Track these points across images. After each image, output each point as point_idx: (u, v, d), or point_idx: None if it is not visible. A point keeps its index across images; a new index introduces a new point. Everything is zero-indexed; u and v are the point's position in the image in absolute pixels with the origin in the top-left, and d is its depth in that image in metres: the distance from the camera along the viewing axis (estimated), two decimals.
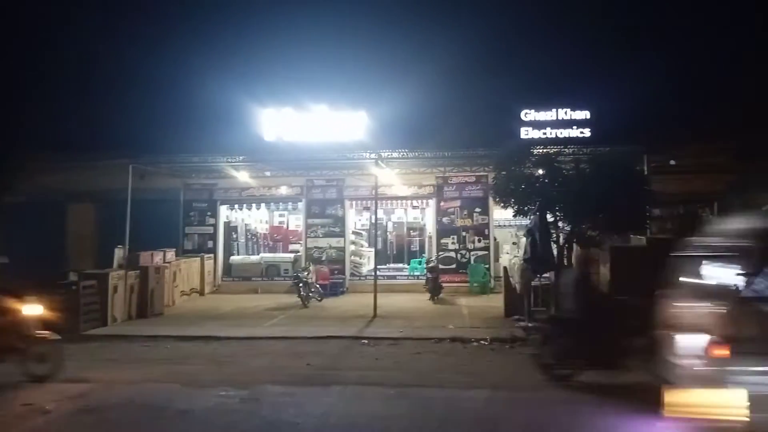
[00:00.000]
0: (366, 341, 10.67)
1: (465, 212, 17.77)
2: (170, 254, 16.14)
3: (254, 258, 19.04)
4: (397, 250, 19.97)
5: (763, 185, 16.60)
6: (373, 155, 15.08)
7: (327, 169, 17.86)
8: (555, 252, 11.97)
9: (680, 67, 17.53)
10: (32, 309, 8.01)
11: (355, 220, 19.58)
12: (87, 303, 11.97)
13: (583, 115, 15.70)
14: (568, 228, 12.30)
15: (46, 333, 8.06)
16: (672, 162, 15.74)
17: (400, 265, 19.31)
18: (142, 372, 8.74)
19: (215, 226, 18.57)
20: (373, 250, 16.31)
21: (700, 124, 15.31)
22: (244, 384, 7.77)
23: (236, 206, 19.17)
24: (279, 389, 7.58)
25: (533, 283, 11.80)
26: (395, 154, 15.54)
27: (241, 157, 15.92)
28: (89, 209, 18.83)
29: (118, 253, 15.38)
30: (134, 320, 13.28)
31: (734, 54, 17.62)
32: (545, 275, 11.59)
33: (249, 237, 20.01)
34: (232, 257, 19.07)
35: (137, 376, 8.46)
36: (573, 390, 7.37)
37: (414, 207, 19.21)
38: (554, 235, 12.16)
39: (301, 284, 14.74)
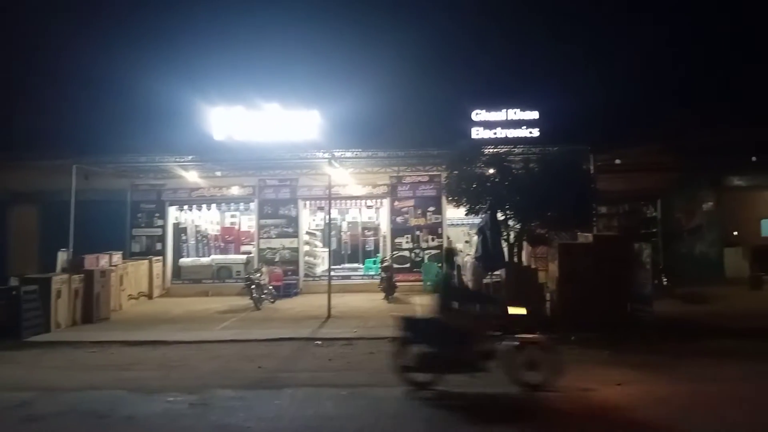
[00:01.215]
0: (319, 342, 10.61)
1: (419, 211, 17.90)
2: (117, 257, 15.69)
3: (205, 260, 18.69)
4: (351, 249, 19.93)
5: (704, 183, 17.35)
6: (326, 155, 15.02)
7: (280, 168, 17.69)
8: (506, 250, 12.19)
9: (624, 69, 18.06)
10: None
11: (309, 220, 19.44)
12: (29, 309, 11.52)
13: (532, 115, 16.00)
14: (518, 226, 12.54)
15: None
16: (617, 161, 16.23)
17: (355, 265, 19.29)
18: (86, 379, 8.46)
19: (164, 227, 18.17)
20: (327, 250, 16.23)
21: (643, 124, 15.81)
22: (193, 389, 7.60)
23: (186, 207, 18.77)
24: (229, 393, 7.45)
25: (485, 281, 11.96)
26: (348, 154, 15.53)
27: (190, 157, 15.61)
28: (31, 211, 18.18)
29: (62, 257, 14.92)
30: (79, 326, 12.87)
31: (677, 55, 18.24)
32: (496, 273, 11.76)
33: (199, 238, 19.61)
34: (181, 259, 18.67)
35: (81, 383, 8.18)
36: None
37: (368, 206, 19.21)
38: (505, 234, 12.37)
39: (253, 286, 14.55)
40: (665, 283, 15.03)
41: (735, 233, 17.64)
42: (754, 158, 16.27)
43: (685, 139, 15.80)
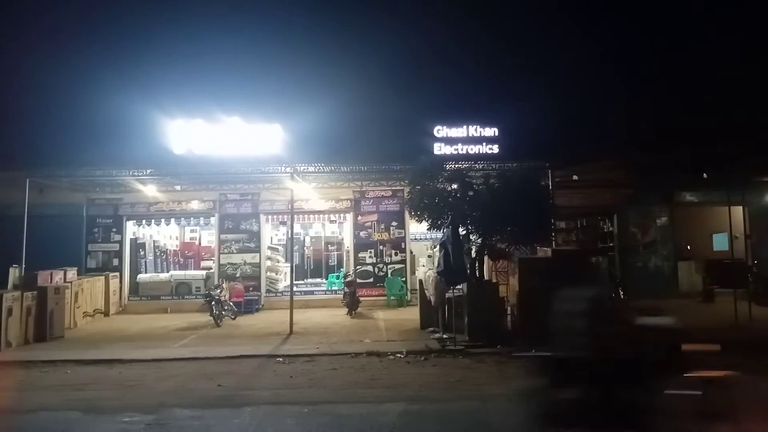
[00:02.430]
0: (281, 359, 10.49)
1: (382, 226, 17.96)
2: (71, 273, 15.26)
3: (163, 276, 18.30)
4: (314, 264, 19.79)
5: (657, 199, 17.88)
6: (288, 169, 14.96)
7: (241, 183, 17.53)
8: (467, 264, 12.30)
9: (581, 87, 18.56)
10: None
11: (272, 235, 19.27)
12: None
13: (492, 131, 16.26)
14: (479, 241, 12.70)
15: None
16: (575, 177, 16.63)
17: (318, 280, 19.15)
18: (38, 400, 8.15)
19: (121, 242, 17.76)
20: (289, 265, 16.10)
21: (599, 142, 16.24)
22: (150, 408, 7.42)
23: (144, 222, 18.40)
24: (187, 413, 7.30)
25: (447, 295, 12.04)
26: (311, 168, 15.51)
27: (148, 171, 15.31)
28: None
29: (14, 273, 14.46)
30: (32, 344, 12.44)
31: (632, 73, 18.84)
32: (458, 287, 11.85)
33: (158, 254, 19.21)
34: (139, 275, 18.24)
35: (33, 404, 7.88)
36: (483, 399, 7.55)
37: (331, 221, 19.17)
38: (466, 248, 12.50)
39: (213, 302, 14.32)
40: (621, 296, 15.39)
41: (688, 247, 18.22)
42: (705, 175, 16.85)
43: (638, 156, 16.28)
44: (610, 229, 18.28)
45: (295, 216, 16.51)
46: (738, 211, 15.26)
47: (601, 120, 17.19)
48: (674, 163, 16.05)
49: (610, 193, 17.62)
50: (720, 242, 17.80)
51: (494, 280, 14.19)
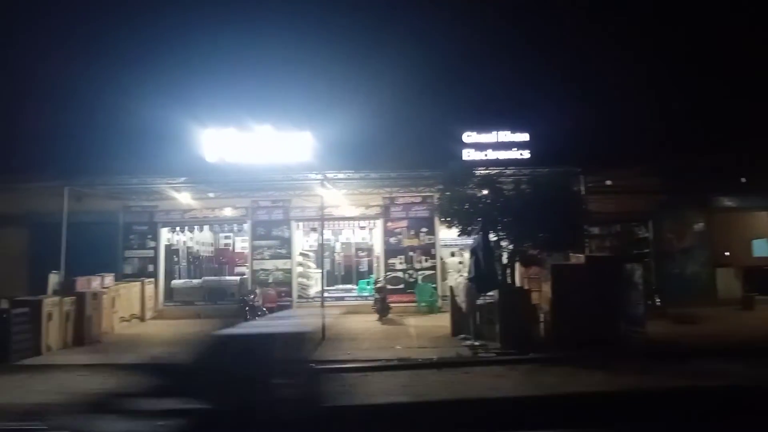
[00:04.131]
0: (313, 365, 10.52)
1: (412, 232, 17.94)
2: (109, 279, 15.61)
3: (197, 282, 18.58)
4: (345, 270, 19.88)
5: (693, 205, 17.50)
6: (318, 176, 15.07)
7: (272, 190, 17.71)
8: (499, 271, 12.22)
9: (614, 90, 18.26)
10: None
11: (303, 241, 19.42)
12: (19, 332, 11.37)
13: (523, 137, 16.08)
14: (510, 247, 12.60)
15: None
16: (608, 182, 16.36)
17: (349, 286, 19.22)
18: (77, 403, 8.33)
19: (156, 249, 18.09)
20: (320, 271, 16.19)
21: (633, 146, 15.97)
22: None
23: (178, 229, 18.75)
24: None
25: (478, 302, 11.96)
26: (341, 175, 15.59)
27: (182, 179, 15.61)
28: (22, 233, 18.02)
29: (53, 279, 14.82)
30: (71, 348, 12.71)
31: (667, 77, 18.47)
32: (489, 294, 11.77)
33: (191, 260, 19.54)
34: (173, 281, 18.57)
35: (73, 408, 8.06)
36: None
37: (361, 227, 19.23)
38: (497, 254, 12.42)
39: (247, 308, 14.49)
40: (658, 303, 15.08)
41: (726, 254, 17.76)
42: (743, 179, 16.45)
43: (675, 160, 15.96)
44: (646, 235, 17.94)
45: (326, 222, 16.63)
46: None
47: (635, 124, 16.90)
48: (711, 167, 15.70)
49: (645, 199, 17.29)
50: (760, 248, 17.33)
51: (526, 287, 14.05)
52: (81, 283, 14.05)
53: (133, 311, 16.42)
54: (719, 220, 17.68)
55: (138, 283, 16.90)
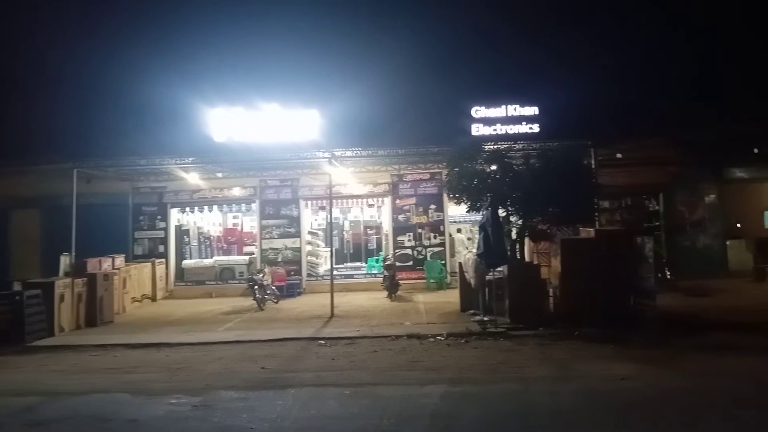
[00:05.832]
0: (323, 342, 10.60)
1: (420, 209, 17.90)
2: (119, 260, 15.74)
3: (207, 261, 18.69)
4: (354, 249, 19.90)
5: (706, 176, 17.30)
6: (326, 154, 15.00)
7: (280, 169, 17.69)
8: (508, 246, 12.15)
9: (624, 62, 17.97)
10: None
11: (311, 220, 19.43)
12: (32, 313, 11.53)
13: (532, 111, 15.90)
14: (519, 222, 12.52)
15: None
16: (618, 155, 16.19)
17: (358, 264, 19.26)
18: (90, 382, 8.46)
19: (166, 229, 18.19)
20: (329, 249, 16.22)
21: (644, 118, 15.74)
22: (197, 391, 7.60)
23: (187, 209, 18.80)
24: (232, 394, 7.45)
25: (487, 278, 11.92)
26: (349, 153, 15.51)
27: (190, 159, 15.61)
28: (33, 215, 18.21)
29: (64, 261, 14.97)
30: (83, 329, 12.89)
31: (678, 48, 18.13)
32: (498, 269, 11.73)
33: (201, 240, 19.62)
34: (184, 261, 18.69)
35: (85, 386, 8.18)
36: (526, 382, 7.49)
37: (370, 205, 19.20)
38: (507, 230, 12.35)
39: (256, 287, 14.56)
40: (669, 276, 15.00)
41: (738, 225, 17.58)
42: (756, 150, 16.20)
43: (686, 132, 15.73)
44: (657, 207, 17.79)
45: (334, 201, 16.60)
46: None
47: (646, 95, 16.63)
48: (723, 138, 15.45)
49: (656, 171, 17.12)
50: None
51: (536, 262, 13.99)
52: (92, 265, 14.17)
53: (145, 292, 16.57)
54: (731, 192, 17.48)
55: (149, 264, 17.02)
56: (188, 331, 12.08)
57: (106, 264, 14.89)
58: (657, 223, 17.53)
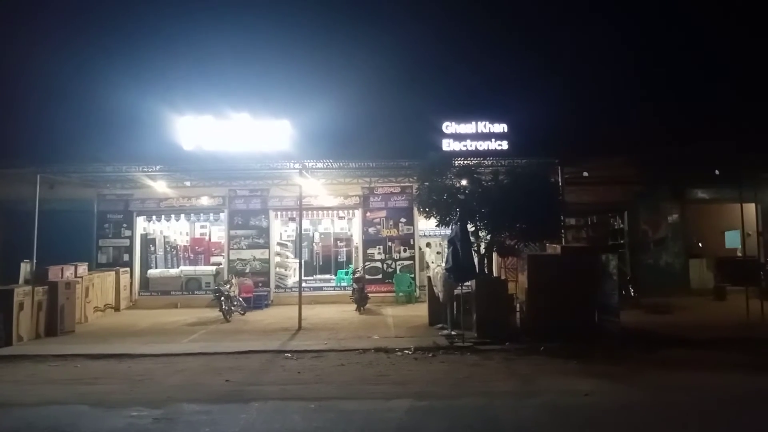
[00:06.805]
0: (289, 354, 10.50)
1: (391, 222, 17.95)
2: (82, 268, 15.38)
3: (173, 271, 18.40)
4: (323, 261, 19.85)
5: (668, 196, 17.73)
6: (297, 165, 14.95)
7: (250, 179, 17.57)
8: (476, 261, 12.25)
9: (591, 83, 18.41)
10: None
11: (281, 231, 19.32)
12: None
13: (501, 128, 16.11)
14: (488, 237, 12.65)
15: None
16: (585, 173, 16.49)
17: (327, 276, 19.21)
18: (48, 393, 8.22)
19: (131, 238, 17.88)
20: (298, 261, 16.13)
21: (609, 138, 16.07)
22: (158, 403, 7.45)
23: (154, 217, 18.50)
24: (195, 407, 7.31)
25: (456, 292, 12.00)
26: (320, 164, 15.48)
27: (158, 167, 15.34)
28: None
29: (25, 268, 14.58)
30: (43, 339, 12.55)
31: (642, 69, 18.65)
32: (467, 284, 11.81)
33: (168, 249, 19.33)
34: (149, 271, 18.35)
35: (42, 398, 7.94)
36: (491, 396, 7.53)
37: (340, 217, 19.19)
38: (475, 245, 12.45)
39: (222, 297, 14.37)
40: (632, 293, 15.29)
41: (700, 245, 18.06)
42: (717, 171, 16.67)
43: (649, 152, 16.11)
44: (621, 226, 18.16)
45: (304, 212, 16.54)
46: (750, 208, 15.11)
47: (611, 116, 17.03)
48: (685, 159, 15.87)
49: (621, 190, 17.49)
50: (732, 239, 17.63)
51: (503, 277, 14.13)
52: (54, 273, 13.81)
53: (108, 301, 16.22)
54: (693, 212, 17.97)
55: (113, 273, 16.68)
56: (151, 342, 11.85)
57: (69, 272, 14.54)
58: (621, 241, 17.89)
